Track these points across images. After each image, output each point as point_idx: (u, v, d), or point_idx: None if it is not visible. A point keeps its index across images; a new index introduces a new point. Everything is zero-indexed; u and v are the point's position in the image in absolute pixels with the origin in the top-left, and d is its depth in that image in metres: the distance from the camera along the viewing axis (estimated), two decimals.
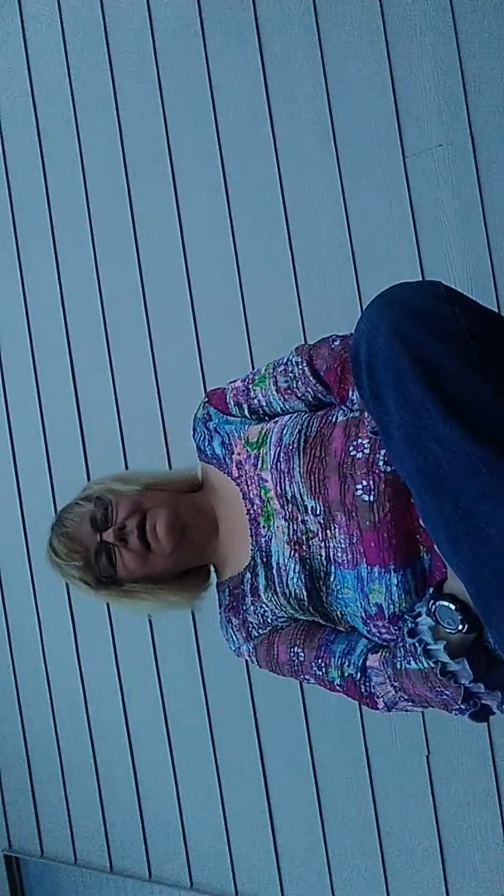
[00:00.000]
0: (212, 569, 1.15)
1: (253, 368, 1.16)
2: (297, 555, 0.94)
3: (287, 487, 0.94)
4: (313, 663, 0.97)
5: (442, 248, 1.74)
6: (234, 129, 1.97)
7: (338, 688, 0.97)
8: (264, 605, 1.02)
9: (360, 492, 0.88)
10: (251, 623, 1.04)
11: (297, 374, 1.01)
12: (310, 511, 0.93)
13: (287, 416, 1.00)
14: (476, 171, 1.70)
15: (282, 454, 0.96)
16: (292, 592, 0.95)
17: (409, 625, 0.87)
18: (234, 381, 1.10)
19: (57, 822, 2.51)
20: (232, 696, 2.08)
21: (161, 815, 2.27)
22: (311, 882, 2.04)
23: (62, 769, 2.47)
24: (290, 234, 1.92)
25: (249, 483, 1.01)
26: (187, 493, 1.13)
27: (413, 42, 1.73)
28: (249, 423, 1.07)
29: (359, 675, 0.93)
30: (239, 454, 1.04)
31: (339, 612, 0.95)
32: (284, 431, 0.97)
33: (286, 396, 1.03)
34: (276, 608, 1.00)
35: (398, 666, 0.88)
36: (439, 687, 0.85)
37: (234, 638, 1.07)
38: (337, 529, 0.90)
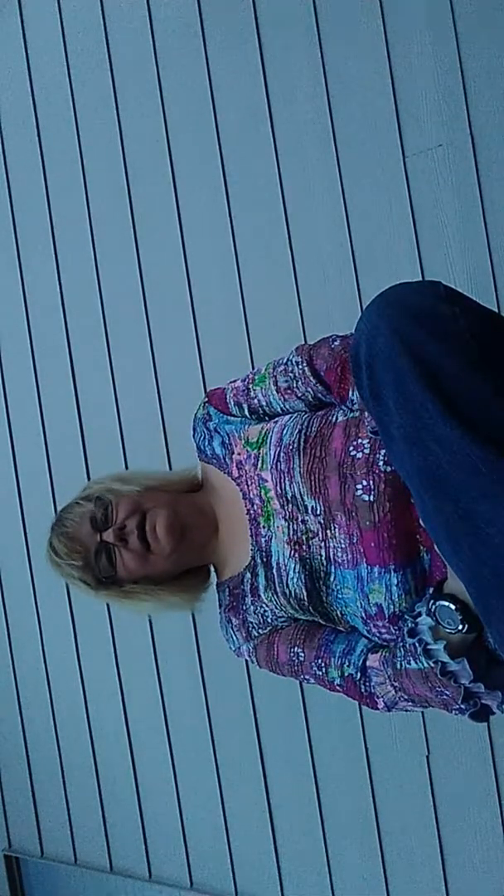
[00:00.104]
0: (212, 569, 1.15)
1: (253, 368, 1.16)
2: (297, 555, 0.94)
3: (287, 487, 0.94)
4: (313, 663, 0.98)
5: (442, 248, 1.74)
6: (234, 129, 1.97)
7: (338, 688, 0.97)
8: (264, 605, 1.02)
9: (360, 492, 0.88)
10: (251, 623, 1.04)
11: (297, 374, 1.01)
12: (310, 511, 0.93)
13: (287, 416, 1.00)
14: (476, 171, 1.70)
15: (282, 454, 0.96)
16: (292, 592, 0.95)
17: (409, 625, 0.87)
18: (234, 381, 1.10)
19: (57, 822, 2.51)
20: (232, 696, 2.08)
21: (161, 815, 2.27)
22: (311, 882, 2.04)
23: (62, 769, 2.47)
24: (290, 234, 1.92)
25: (249, 483, 1.01)
26: (187, 493, 1.13)
27: (413, 42, 1.73)
28: (249, 423, 1.07)
29: (359, 675, 0.93)
30: (239, 454, 1.04)
31: (339, 612, 0.95)
32: (284, 431, 0.97)
33: (286, 396, 1.03)
34: (276, 608, 1.00)
35: (398, 666, 0.88)
36: (439, 687, 0.85)
37: (234, 638, 1.07)
38: (337, 529, 0.90)
